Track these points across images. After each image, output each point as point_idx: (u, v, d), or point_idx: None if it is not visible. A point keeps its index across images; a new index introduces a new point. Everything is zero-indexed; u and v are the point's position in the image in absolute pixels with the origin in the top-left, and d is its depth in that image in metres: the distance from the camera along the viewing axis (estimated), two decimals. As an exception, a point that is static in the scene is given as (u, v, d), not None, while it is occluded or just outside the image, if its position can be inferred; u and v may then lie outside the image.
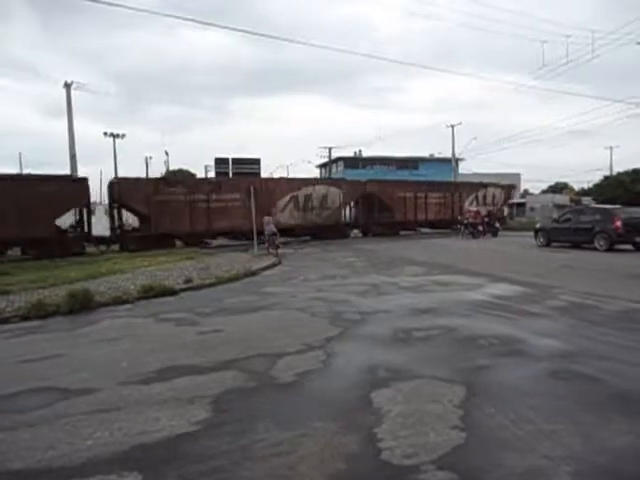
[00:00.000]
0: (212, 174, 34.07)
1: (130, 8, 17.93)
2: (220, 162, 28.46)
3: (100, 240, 21.07)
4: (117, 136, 41.37)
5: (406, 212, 28.62)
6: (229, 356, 5.03)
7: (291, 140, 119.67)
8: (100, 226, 22.68)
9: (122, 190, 20.72)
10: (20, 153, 50.42)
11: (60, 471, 2.85)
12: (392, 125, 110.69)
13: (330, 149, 49.56)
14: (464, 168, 51.53)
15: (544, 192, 65.41)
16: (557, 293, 8.34)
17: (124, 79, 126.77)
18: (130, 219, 23.20)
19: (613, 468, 2.74)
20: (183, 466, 2.85)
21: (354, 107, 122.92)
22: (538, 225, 21.08)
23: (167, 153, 50.85)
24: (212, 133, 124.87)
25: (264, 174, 31.59)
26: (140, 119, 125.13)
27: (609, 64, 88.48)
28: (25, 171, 40.26)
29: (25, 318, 7.29)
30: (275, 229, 17.49)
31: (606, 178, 47.76)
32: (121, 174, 33.72)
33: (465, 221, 25.62)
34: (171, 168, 49.92)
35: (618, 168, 51.54)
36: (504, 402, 3.65)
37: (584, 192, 54.82)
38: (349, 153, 55.61)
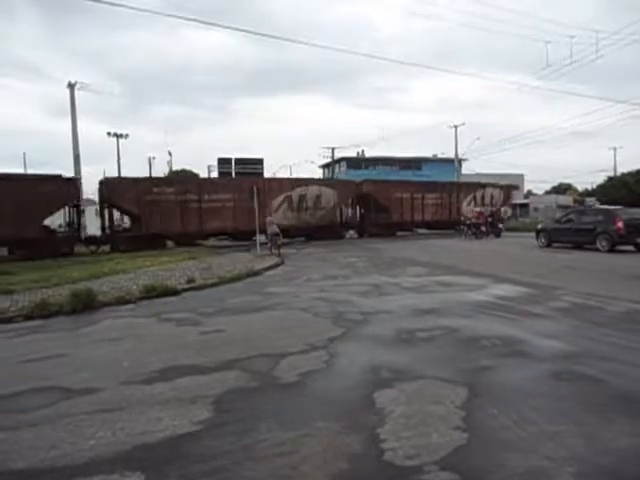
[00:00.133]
0: (215, 174, 34.15)
1: (132, 8, 17.98)
2: (223, 162, 28.55)
3: (90, 240, 20.95)
4: (120, 136, 41.46)
5: (403, 213, 28.51)
6: (231, 356, 5.03)
7: (294, 140, 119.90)
8: (94, 226, 22.65)
9: (111, 190, 20.51)
10: (24, 153, 50.55)
11: (63, 471, 2.85)
12: (394, 125, 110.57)
13: (333, 149, 49.57)
14: (467, 168, 51.56)
15: (548, 193, 65.35)
16: (559, 294, 8.32)
17: (126, 79, 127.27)
18: (125, 219, 23.12)
19: (615, 469, 2.73)
20: (185, 466, 2.86)
21: (355, 107, 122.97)
22: (539, 226, 21.09)
23: (170, 153, 51.18)
24: (215, 133, 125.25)
25: (267, 174, 31.62)
26: (143, 119, 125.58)
27: (612, 64, 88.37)
28: (29, 171, 40.44)
29: (28, 318, 7.32)
30: (278, 229, 17.48)
31: (610, 179, 47.66)
32: (124, 174, 33.88)
33: (468, 222, 25.60)
34: (174, 168, 50.08)
35: (622, 169, 51.54)
36: (506, 403, 3.65)
37: (588, 193, 54.68)
38: (352, 153, 55.68)
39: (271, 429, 3.29)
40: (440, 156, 54.79)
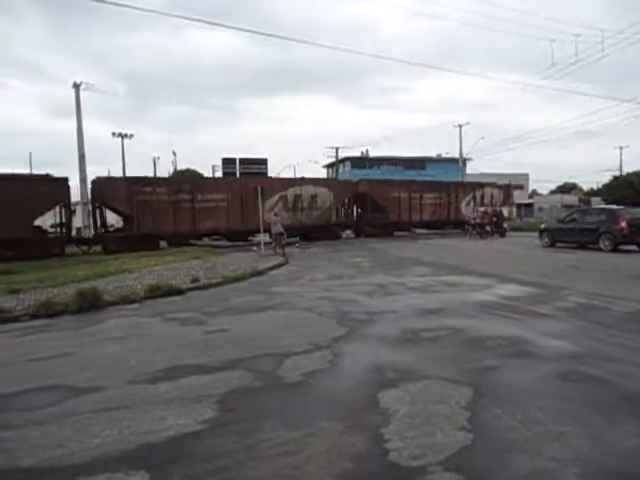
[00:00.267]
0: (219, 174, 34.20)
1: (137, 9, 18.18)
2: (227, 162, 28.58)
3: (82, 241, 20.80)
4: (125, 136, 41.61)
5: (400, 212, 28.32)
6: (235, 355, 5.04)
7: (299, 140, 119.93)
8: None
9: (103, 189, 20.36)
10: (30, 153, 50.72)
11: (68, 469, 2.86)
12: (399, 125, 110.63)
13: (337, 149, 49.49)
14: (472, 168, 51.31)
15: (553, 192, 65.07)
16: (565, 294, 8.28)
17: (131, 79, 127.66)
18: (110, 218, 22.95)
19: (622, 470, 2.72)
20: (189, 465, 2.86)
21: (361, 107, 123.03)
22: (543, 225, 21.10)
23: (174, 153, 51.06)
24: (220, 133, 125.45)
25: (271, 174, 31.64)
26: (148, 119, 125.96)
27: (616, 64, 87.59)
28: (35, 171, 40.59)
29: (34, 317, 7.35)
30: (282, 229, 17.48)
31: (616, 178, 47.45)
32: (129, 174, 33.93)
33: (473, 221, 25.55)
34: (179, 168, 50.16)
35: (627, 168, 51.27)
36: (512, 403, 3.63)
37: (593, 192, 54.47)
38: (356, 153, 55.49)
39: (275, 429, 3.29)
40: (444, 156, 54.64)
